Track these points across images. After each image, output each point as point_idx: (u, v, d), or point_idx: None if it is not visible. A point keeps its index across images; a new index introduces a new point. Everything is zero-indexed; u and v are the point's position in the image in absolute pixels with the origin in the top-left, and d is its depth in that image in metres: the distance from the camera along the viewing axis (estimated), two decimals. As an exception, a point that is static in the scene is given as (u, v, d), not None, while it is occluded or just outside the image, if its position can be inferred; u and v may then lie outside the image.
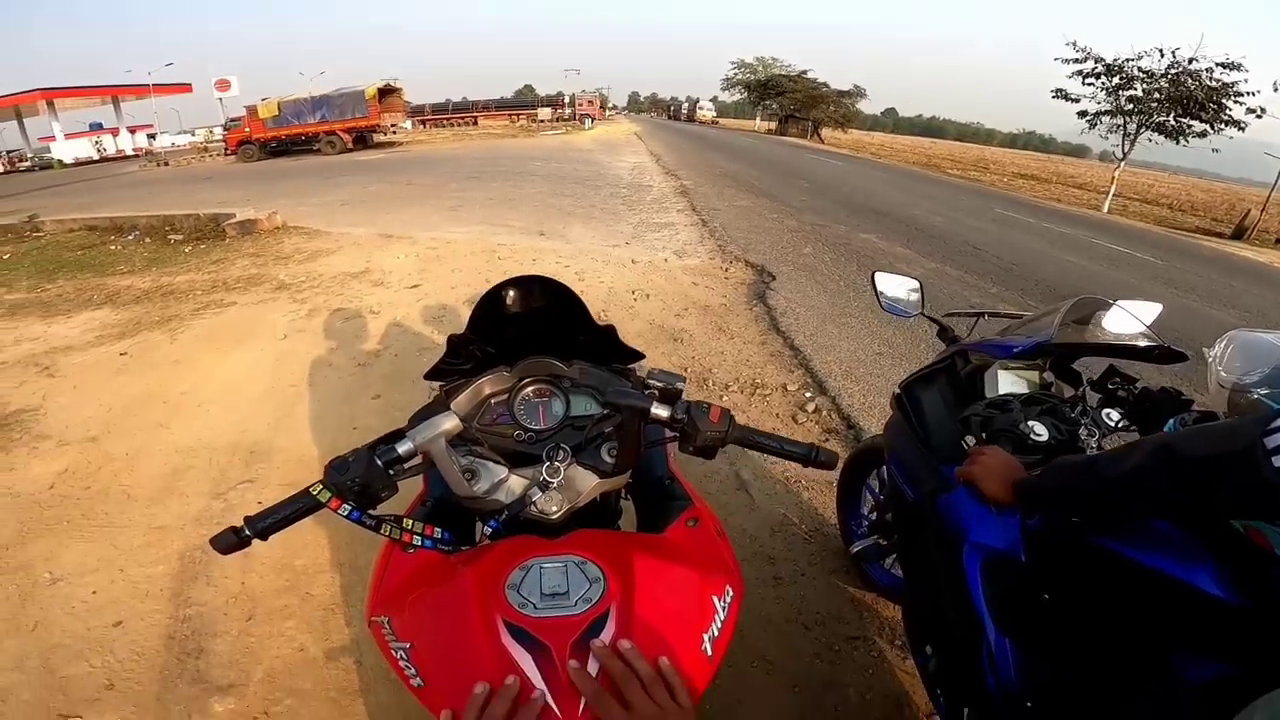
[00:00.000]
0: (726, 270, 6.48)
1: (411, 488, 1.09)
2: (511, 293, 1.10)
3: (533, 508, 0.93)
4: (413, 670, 0.76)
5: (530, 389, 1.15)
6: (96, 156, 17.62)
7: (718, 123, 67.99)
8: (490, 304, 1.09)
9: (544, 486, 0.94)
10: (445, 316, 4.92)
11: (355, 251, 6.82)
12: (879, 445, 1.90)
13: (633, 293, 5.59)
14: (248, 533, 0.78)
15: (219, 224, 8.48)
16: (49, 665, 1.90)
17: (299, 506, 0.81)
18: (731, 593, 0.87)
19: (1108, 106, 18.90)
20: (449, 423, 0.87)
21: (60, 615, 2.08)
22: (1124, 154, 19.02)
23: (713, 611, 0.84)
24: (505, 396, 1.14)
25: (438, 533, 0.90)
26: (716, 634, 0.82)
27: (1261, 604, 0.80)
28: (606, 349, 1.20)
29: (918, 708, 1.77)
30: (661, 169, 16.53)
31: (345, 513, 0.80)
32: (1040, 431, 1.25)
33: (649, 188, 12.66)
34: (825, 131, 46.66)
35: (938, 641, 1.31)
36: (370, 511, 0.83)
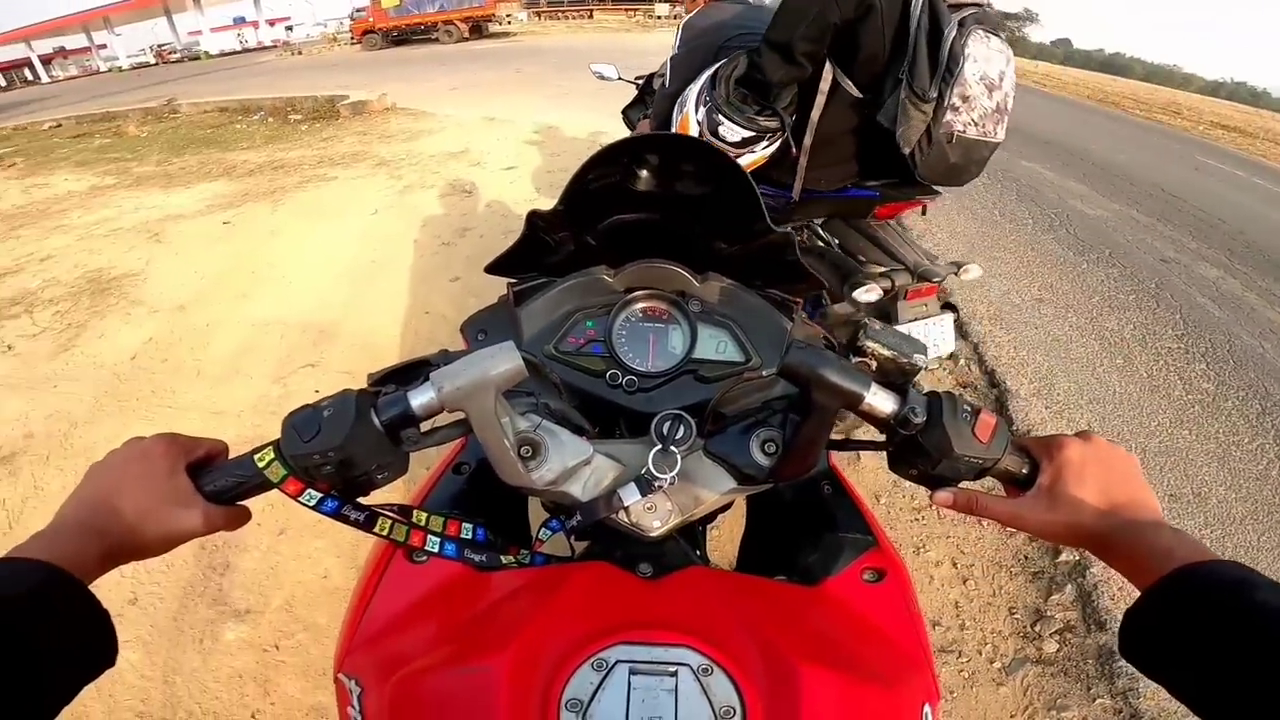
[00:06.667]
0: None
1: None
2: (633, 158, 0.75)
3: (621, 514, 0.58)
4: None
5: (641, 305, 0.78)
6: (239, 48, 18.64)
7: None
8: (597, 172, 0.73)
9: (645, 485, 0.57)
10: (538, 201, 4.50)
11: (457, 132, 6.59)
12: None
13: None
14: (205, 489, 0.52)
15: (334, 105, 8.72)
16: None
17: (246, 477, 0.51)
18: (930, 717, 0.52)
19: None
20: (505, 363, 0.51)
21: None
22: None
23: None
24: (602, 314, 0.77)
25: (466, 531, 0.59)
26: None
27: None
28: (762, 266, 0.82)
29: None
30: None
31: (310, 502, 0.51)
32: None
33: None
34: (982, 54, 40.82)
35: None
36: (358, 500, 0.54)
